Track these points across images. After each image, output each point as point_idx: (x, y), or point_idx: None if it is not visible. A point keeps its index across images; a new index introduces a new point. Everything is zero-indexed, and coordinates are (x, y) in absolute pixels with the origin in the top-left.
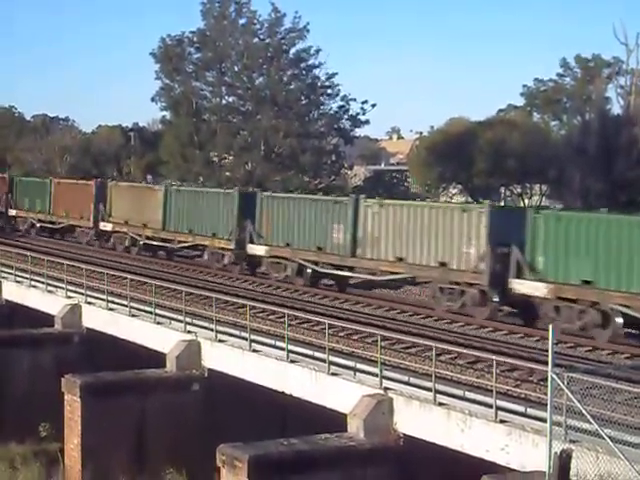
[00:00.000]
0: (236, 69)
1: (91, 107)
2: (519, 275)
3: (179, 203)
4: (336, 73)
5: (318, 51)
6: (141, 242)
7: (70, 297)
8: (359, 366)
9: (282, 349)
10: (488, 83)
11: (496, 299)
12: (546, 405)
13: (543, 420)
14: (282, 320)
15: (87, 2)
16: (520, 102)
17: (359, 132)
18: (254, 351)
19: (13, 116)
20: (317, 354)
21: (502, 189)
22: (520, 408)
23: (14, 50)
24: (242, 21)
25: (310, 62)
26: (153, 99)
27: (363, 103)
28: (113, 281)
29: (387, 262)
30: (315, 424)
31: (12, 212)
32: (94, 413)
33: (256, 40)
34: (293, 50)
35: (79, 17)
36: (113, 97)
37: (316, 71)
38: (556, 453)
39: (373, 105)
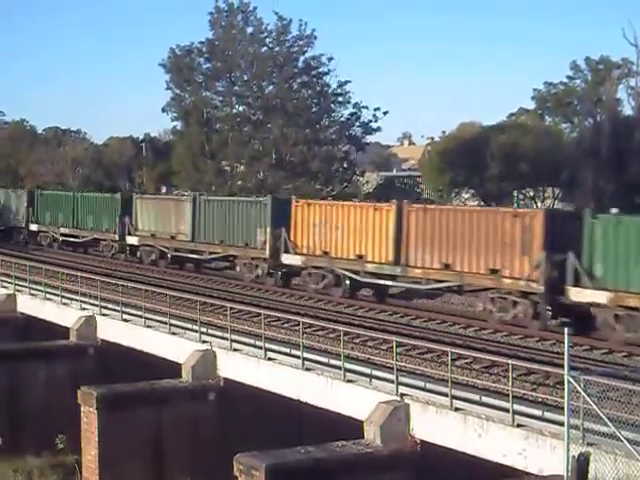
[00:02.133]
0: (245, 78)
1: (102, 119)
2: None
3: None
4: (349, 81)
5: (330, 59)
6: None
7: (85, 309)
8: (375, 373)
9: (297, 357)
10: (499, 87)
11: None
12: (563, 408)
13: (560, 424)
14: (297, 328)
15: (96, 15)
16: (531, 105)
17: (370, 139)
18: (269, 360)
19: (25, 129)
20: (333, 361)
21: (515, 193)
22: (537, 412)
23: (25, 64)
24: (250, 30)
25: (320, 69)
26: (164, 109)
27: (375, 110)
28: (127, 292)
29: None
30: (331, 431)
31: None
32: (111, 424)
33: (265, 49)
34: (302, 58)
35: (88, 30)
36: (124, 108)
37: (326, 78)
38: (574, 456)
39: (385, 112)
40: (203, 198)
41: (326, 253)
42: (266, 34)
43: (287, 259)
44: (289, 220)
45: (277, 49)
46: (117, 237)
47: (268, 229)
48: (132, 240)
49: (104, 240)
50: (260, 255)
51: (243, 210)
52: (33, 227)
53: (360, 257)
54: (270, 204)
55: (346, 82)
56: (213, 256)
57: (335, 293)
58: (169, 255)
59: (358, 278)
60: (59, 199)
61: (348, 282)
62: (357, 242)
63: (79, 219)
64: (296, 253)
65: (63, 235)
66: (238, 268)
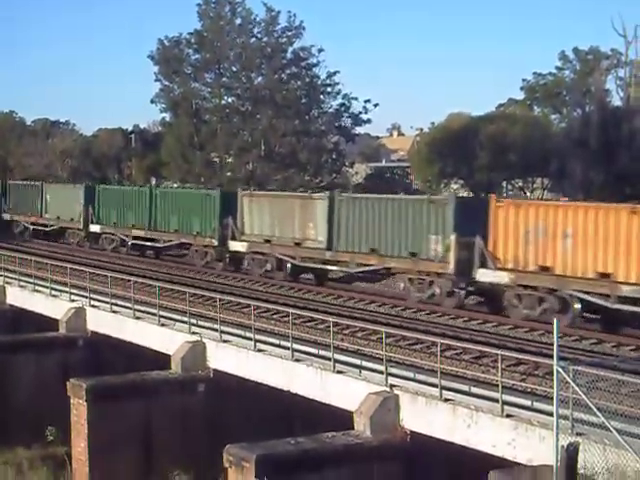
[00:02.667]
0: (234, 69)
1: (91, 110)
2: None
3: None
4: (337, 71)
5: (320, 50)
6: None
7: (74, 300)
8: (364, 364)
9: (287, 348)
10: (488, 78)
11: None
12: (552, 399)
13: (549, 414)
14: (287, 319)
15: (84, 7)
16: (520, 96)
17: (359, 129)
18: (259, 351)
19: (14, 121)
20: (322, 352)
21: (504, 183)
22: (526, 402)
23: (14, 55)
24: (238, 21)
25: (309, 61)
26: (153, 101)
27: (366, 102)
28: (117, 284)
29: None
30: (321, 422)
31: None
32: (100, 416)
33: (253, 40)
34: (291, 49)
35: (77, 22)
36: (113, 100)
37: (315, 69)
38: (563, 446)
39: (375, 105)
40: (345, 196)
41: (546, 269)
42: (255, 25)
43: (484, 275)
44: (486, 225)
45: (265, 39)
46: (215, 242)
47: (452, 237)
48: (237, 246)
49: (194, 245)
50: (438, 269)
51: (408, 211)
52: (94, 228)
53: (605, 275)
54: (453, 203)
55: (335, 73)
56: (362, 269)
57: (561, 321)
58: (288, 265)
59: (599, 302)
60: (130, 195)
61: (579, 306)
62: (600, 255)
63: (158, 220)
64: (498, 268)
65: (136, 238)
66: (402, 284)
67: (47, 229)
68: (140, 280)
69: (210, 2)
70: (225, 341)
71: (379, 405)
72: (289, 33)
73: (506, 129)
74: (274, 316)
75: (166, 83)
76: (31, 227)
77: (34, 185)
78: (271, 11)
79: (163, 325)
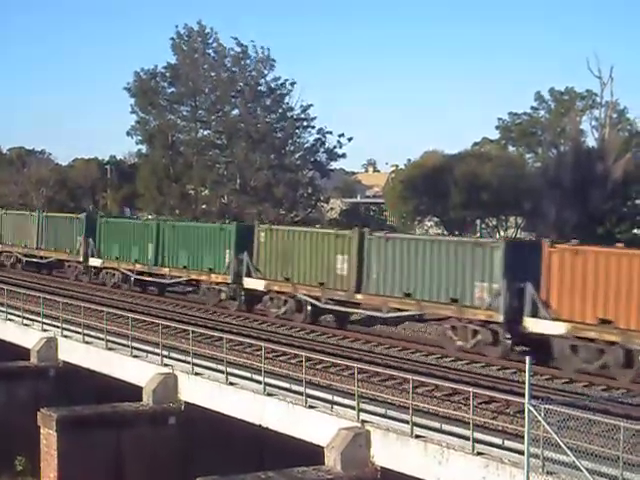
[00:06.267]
0: (209, 102)
1: (68, 140)
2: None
3: None
4: (311, 105)
5: (293, 84)
6: None
7: (46, 330)
8: (336, 399)
9: (259, 382)
10: (464, 116)
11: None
12: (523, 437)
13: (520, 452)
14: (259, 353)
15: (64, 36)
16: (495, 135)
17: (335, 165)
18: (231, 384)
19: None
20: (294, 387)
21: (478, 222)
22: (497, 440)
23: None
24: (211, 54)
25: (283, 94)
26: (129, 133)
27: (340, 136)
28: (90, 314)
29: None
30: (292, 457)
31: None
32: (71, 447)
33: (226, 73)
34: (264, 82)
35: (54, 51)
36: (89, 130)
37: (290, 102)
38: None
39: (350, 139)
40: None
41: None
42: (228, 58)
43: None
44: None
45: (237, 71)
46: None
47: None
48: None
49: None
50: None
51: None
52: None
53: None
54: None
55: (309, 106)
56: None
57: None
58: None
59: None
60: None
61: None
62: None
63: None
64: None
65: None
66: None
67: None
68: (112, 311)
69: (183, 36)
70: (197, 374)
71: (350, 440)
72: (260, 65)
73: (480, 168)
74: (246, 349)
75: (142, 115)
76: None
77: None
78: (241, 45)
79: (135, 356)
